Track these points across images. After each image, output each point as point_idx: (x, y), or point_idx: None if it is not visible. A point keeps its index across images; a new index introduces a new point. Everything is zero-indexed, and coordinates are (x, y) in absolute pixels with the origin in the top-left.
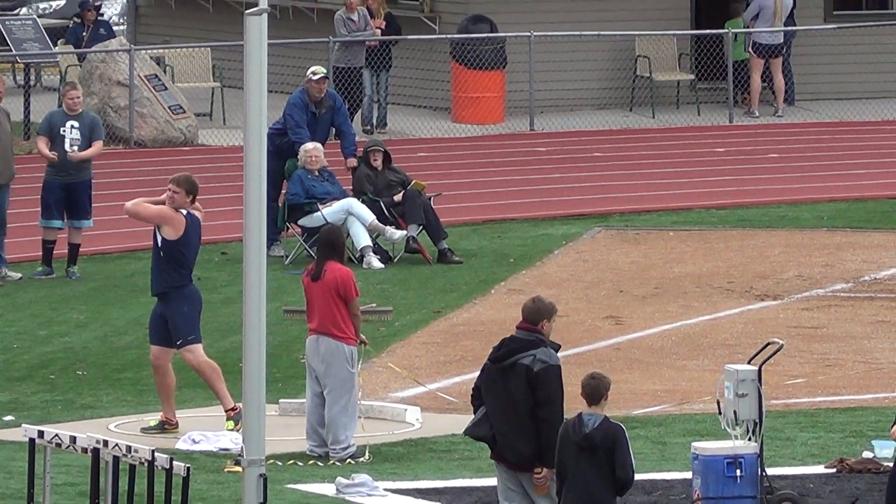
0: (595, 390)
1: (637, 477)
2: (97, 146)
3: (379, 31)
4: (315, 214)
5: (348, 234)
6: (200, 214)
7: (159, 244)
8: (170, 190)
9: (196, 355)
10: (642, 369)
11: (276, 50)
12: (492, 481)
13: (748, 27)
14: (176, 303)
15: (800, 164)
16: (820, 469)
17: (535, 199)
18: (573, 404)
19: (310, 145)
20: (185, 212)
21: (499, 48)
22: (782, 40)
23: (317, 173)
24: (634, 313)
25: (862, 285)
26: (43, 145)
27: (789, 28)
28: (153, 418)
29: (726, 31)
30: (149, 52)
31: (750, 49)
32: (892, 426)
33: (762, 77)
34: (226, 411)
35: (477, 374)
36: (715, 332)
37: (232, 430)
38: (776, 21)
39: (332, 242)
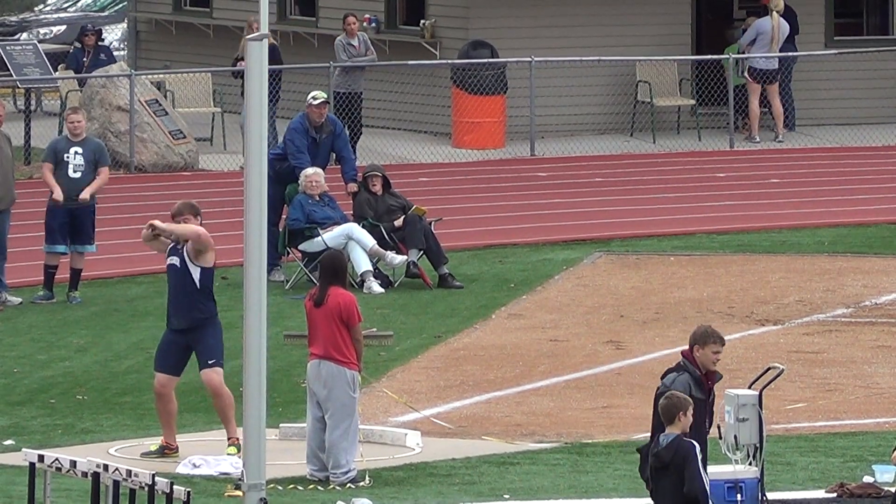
0: (667, 410)
1: (637, 502)
2: (104, 174)
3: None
4: (316, 239)
5: (349, 259)
6: None
7: (196, 275)
8: (184, 221)
9: (221, 378)
10: (643, 394)
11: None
12: None
13: (744, 52)
14: (210, 329)
15: (801, 189)
16: (820, 494)
17: (536, 223)
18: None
19: (310, 170)
20: None
21: (499, 73)
22: (778, 66)
23: (317, 198)
24: (635, 338)
25: (863, 310)
26: (48, 174)
27: (790, 54)
28: (153, 443)
29: (727, 56)
30: (149, 77)
31: (746, 74)
32: (894, 451)
33: (761, 102)
34: (230, 438)
35: (476, 398)
36: None
37: (233, 454)
38: (773, 46)
39: (334, 268)
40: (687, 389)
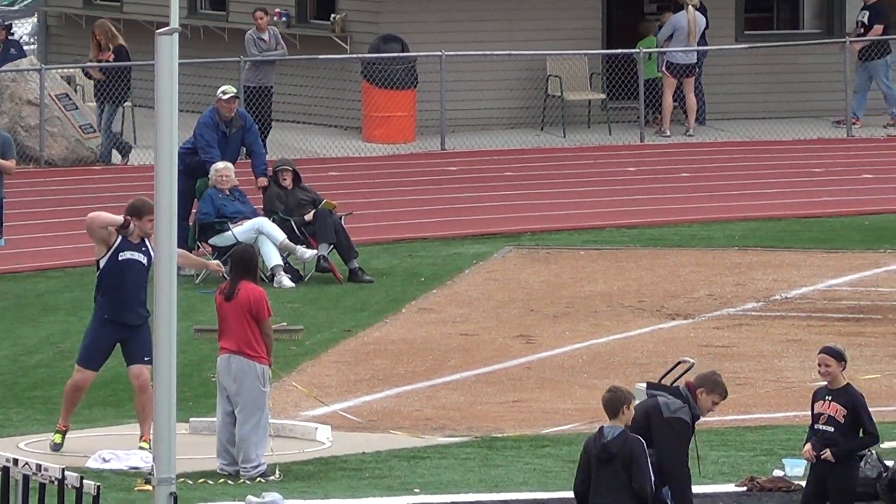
0: (611, 402)
1: (546, 496)
2: (10, 164)
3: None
4: (226, 233)
5: (259, 254)
6: None
7: (146, 262)
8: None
9: (149, 375)
10: (553, 388)
11: (187, 69)
12: (401, 499)
13: (662, 47)
14: (147, 325)
15: (711, 183)
16: (730, 488)
17: (446, 218)
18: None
19: (220, 164)
20: None
21: (410, 67)
22: (696, 60)
23: (227, 192)
24: (545, 332)
25: (773, 304)
26: None
27: (703, 48)
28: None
29: (637, 50)
30: (59, 71)
31: (664, 69)
32: (804, 444)
33: (674, 97)
34: (143, 436)
35: (386, 392)
36: (626, 351)
37: (146, 449)
38: (690, 41)
39: (245, 262)
40: (689, 423)
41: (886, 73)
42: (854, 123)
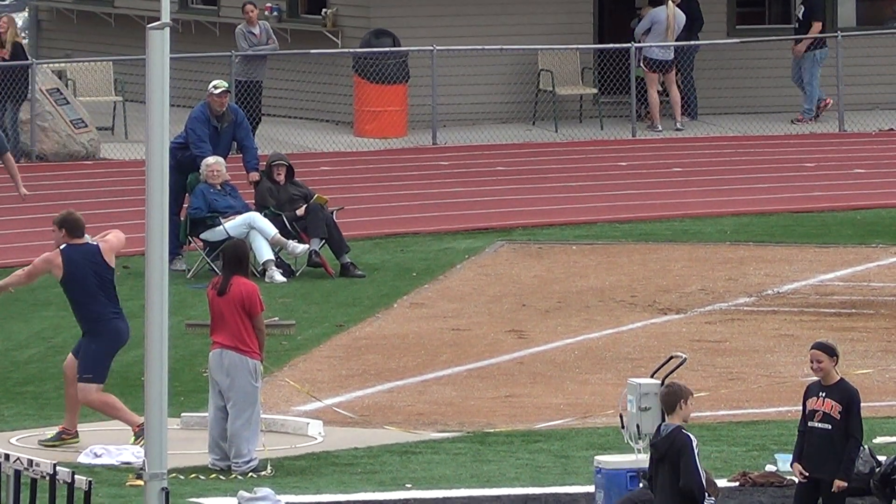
0: (667, 399)
1: (539, 491)
2: (10, 160)
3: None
4: (217, 228)
5: (251, 248)
6: (101, 242)
7: None
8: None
9: (84, 394)
10: (545, 383)
11: (178, 64)
12: (393, 494)
13: (640, 41)
14: (87, 339)
15: (703, 178)
16: (723, 482)
17: (438, 212)
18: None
19: (211, 159)
20: (63, 246)
21: (401, 62)
22: (673, 56)
23: (219, 187)
24: (537, 327)
25: (765, 299)
26: None
27: (688, 42)
28: (51, 431)
29: (629, 45)
30: (50, 65)
31: (642, 64)
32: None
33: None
34: (133, 428)
35: (378, 387)
36: (618, 345)
37: (134, 444)
38: (668, 36)
39: (237, 257)
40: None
41: (813, 69)
42: (826, 105)
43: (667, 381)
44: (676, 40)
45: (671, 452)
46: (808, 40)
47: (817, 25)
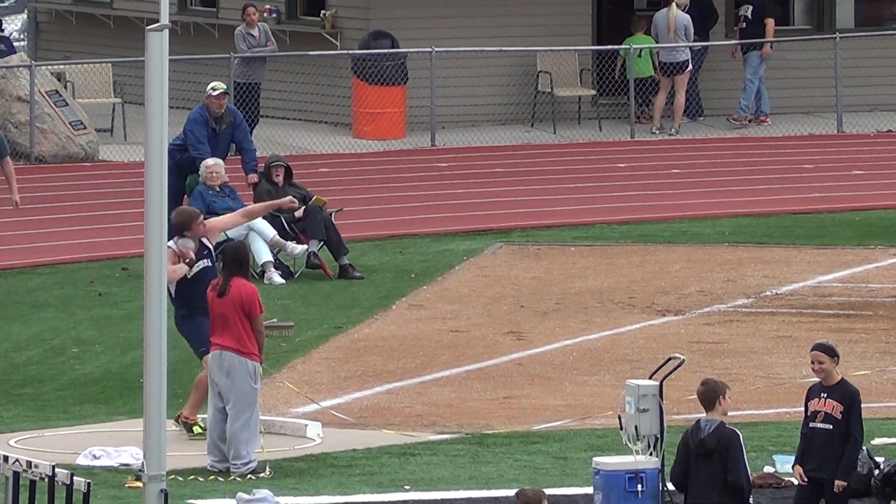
0: (706, 395)
1: None
2: (8, 164)
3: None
4: None
5: (249, 250)
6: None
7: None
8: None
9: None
10: (543, 384)
11: (177, 66)
12: (392, 496)
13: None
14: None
15: (701, 179)
16: None
17: (436, 214)
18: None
19: (210, 161)
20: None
21: (400, 63)
22: (684, 58)
23: (218, 189)
24: (535, 329)
25: (763, 300)
26: None
27: (688, 44)
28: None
29: (627, 47)
30: (49, 67)
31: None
32: (798, 449)
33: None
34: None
35: (377, 389)
36: (616, 347)
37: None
38: (671, 38)
39: (237, 258)
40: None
41: (757, 68)
42: (763, 120)
43: (704, 379)
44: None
45: (720, 447)
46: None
47: (771, 22)
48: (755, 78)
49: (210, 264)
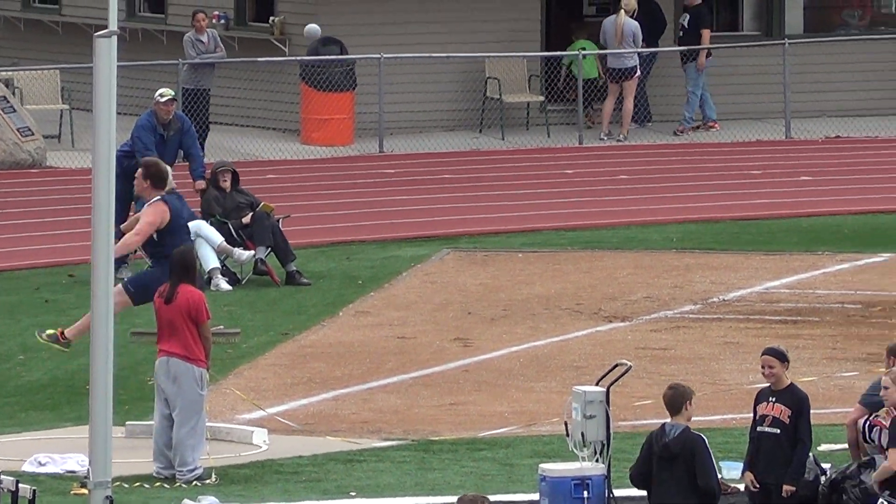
0: (673, 400)
1: None
2: None
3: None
4: None
5: (196, 256)
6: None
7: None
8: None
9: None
10: (490, 391)
11: (125, 72)
12: (338, 503)
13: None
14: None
15: (649, 185)
16: None
17: (384, 220)
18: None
19: None
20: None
21: (348, 70)
22: (632, 64)
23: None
24: (483, 335)
25: (710, 307)
26: None
27: (632, 50)
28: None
29: (575, 52)
30: None
31: (605, 75)
32: (747, 454)
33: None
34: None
35: (323, 395)
36: (563, 353)
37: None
38: (619, 44)
39: (185, 265)
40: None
41: (696, 79)
42: (712, 126)
43: (671, 384)
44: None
45: (685, 452)
46: (703, 50)
47: (706, 33)
48: (696, 89)
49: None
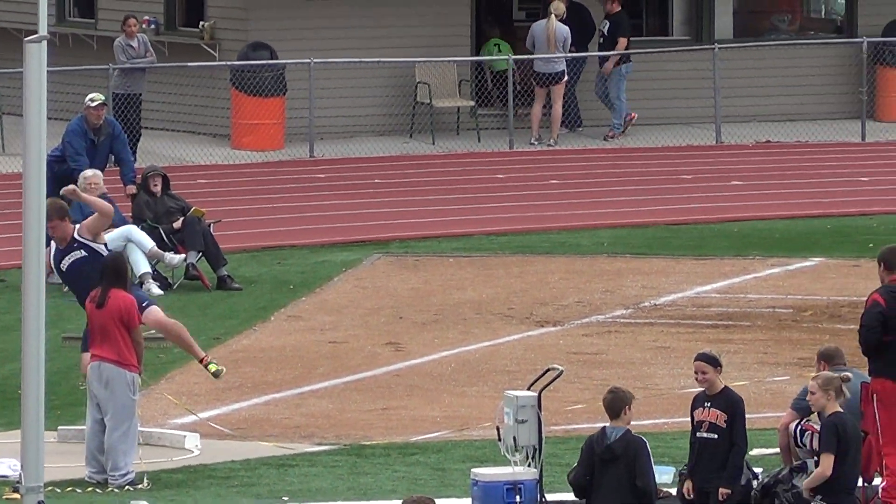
0: (613, 404)
1: None
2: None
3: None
4: None
5: (127, 261)
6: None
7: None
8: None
9: (160, 313)
10: (422, 395)
11: (56, 77)
12: None
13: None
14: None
15: (580, 190)
16: None
17: (315, 225)
18: None
19: (89, 172)
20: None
21: (278, 75)
22: (561, 69)
23: None
24: (414, 340)
25: (641, 311)
26: None
27: (559, 55)
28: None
29: (505, 57)
30: None
31: (533, 79)
32: (689, 462)
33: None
34: (200, 360)
35: (255, 400)
36: (495, 358)
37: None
38: (551, 49)
39: (116, 270)
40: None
41: (620, 84)
42: (632, 118)
43: (610, 388)
44: (572, 51)
45: (627, 454)
46: (615, 57)
47: (623, 41)
48: (621, 94)
49: (84, 255)
